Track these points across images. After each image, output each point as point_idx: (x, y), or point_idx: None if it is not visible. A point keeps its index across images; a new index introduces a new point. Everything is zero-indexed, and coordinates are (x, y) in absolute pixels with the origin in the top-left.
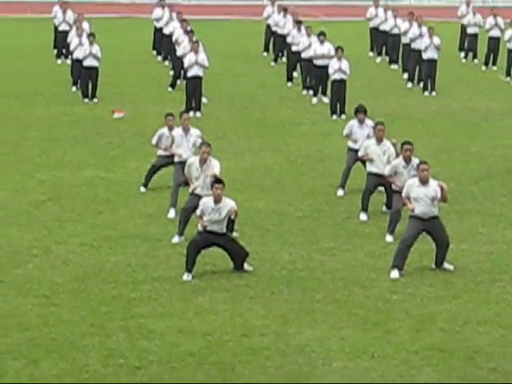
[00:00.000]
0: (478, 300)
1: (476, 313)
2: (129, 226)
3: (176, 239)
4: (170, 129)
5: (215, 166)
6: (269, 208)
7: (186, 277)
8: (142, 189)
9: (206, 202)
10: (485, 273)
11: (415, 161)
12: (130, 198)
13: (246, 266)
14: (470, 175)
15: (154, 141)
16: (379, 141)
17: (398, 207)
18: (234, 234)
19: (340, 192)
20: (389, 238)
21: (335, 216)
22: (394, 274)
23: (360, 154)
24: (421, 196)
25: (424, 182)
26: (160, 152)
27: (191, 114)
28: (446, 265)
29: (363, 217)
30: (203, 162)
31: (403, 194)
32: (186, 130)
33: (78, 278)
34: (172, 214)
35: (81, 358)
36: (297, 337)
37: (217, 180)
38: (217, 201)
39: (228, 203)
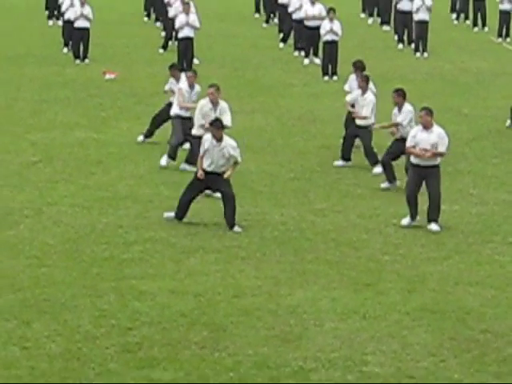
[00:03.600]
0: (470, 261)
1: (467, 274)
2: (120, 187)
3: (163, 161)
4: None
5: (226, 115)
6: (260, 169)
7: (168, 214)
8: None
9: (208, 138)
10: (476, 234)
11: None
12: (121, 159)
13: (236, 227)
14: (462, 136)
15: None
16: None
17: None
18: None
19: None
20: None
21: (327, 177)
22: (404, 221)
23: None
24: (420, 141)
25: (425, 127)
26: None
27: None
28: (433, 225)
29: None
30: (215, 103)
31: (407, 144)
32: (191, 87)
33: (70, 239)
34: (164, 161)
35: (72, 319)
36: (288, 298)
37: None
38: (218, 140)
39: (230, 143)
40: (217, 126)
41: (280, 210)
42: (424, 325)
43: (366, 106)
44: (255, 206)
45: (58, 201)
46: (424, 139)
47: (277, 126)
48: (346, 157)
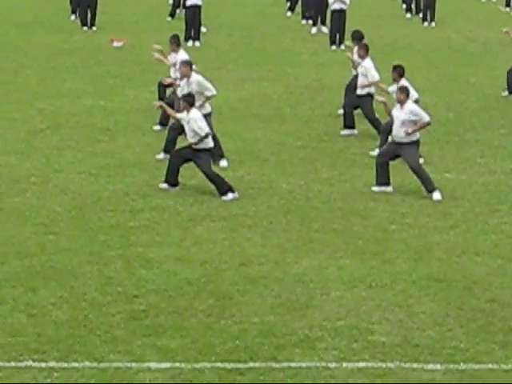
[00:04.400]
0: (476, 230)
1: (474, 243)
2: (127, 155)
3: (161, 156)
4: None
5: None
6: (267, 138)
7: (162, 184)
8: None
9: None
10: (483, 203)
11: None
12: (128, 126)
13: (223, 197)
14: (469, 106)
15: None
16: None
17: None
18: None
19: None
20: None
21: (334, 146)
22: (375, 188)
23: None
24: (395, 118)
25: (399, 102)
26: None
27: (190, 43)
28: (434, 195)
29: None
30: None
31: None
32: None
33: (77, 206)
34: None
35: (79, 286)
36: (295, 266)
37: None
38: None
39: (194, 116)
40: (186, 100)
41: (287, 178)
42: (430, 294)
43: (368, 72)
44: (262, 175)
45: (64, 168)
46: (397, 116)
47: (284, 95)
48: (349, 125)
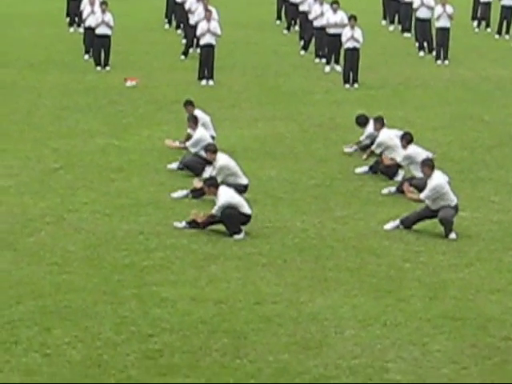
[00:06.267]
0: (491, 268)
1: (488, 281)
2: (141, 194)
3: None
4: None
5: None
6: (281, 176)
7: (176, 223)
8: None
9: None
10: (497, 241)
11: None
12: (142, 165)
13: (235, 236)
14: (483, 143)
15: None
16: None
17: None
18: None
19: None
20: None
21: (348, 184)
22: (387, 226)
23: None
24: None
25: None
26: None
27: (204, 81)
28: (450, 234)
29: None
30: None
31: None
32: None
33: (91, 245)
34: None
35: (93, 326)
36: (309, 305)
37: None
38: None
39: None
40: (209, 185)
41: (301, 216)
42: (445, 332)
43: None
44: (276, 213)
45: (78, 208)
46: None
47: (298, 133)
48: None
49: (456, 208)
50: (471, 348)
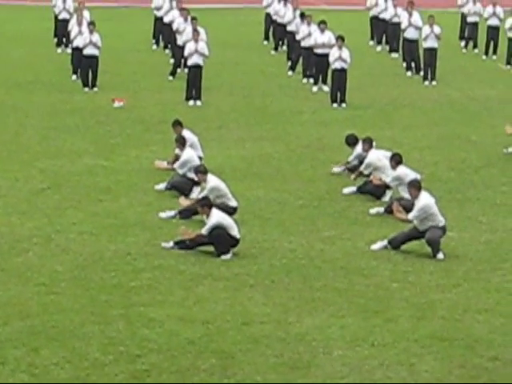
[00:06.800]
0: (479, 288)
1: (476, 301)
2: (129, 214)
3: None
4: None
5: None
6: (269, 196)
7: (164, 243)
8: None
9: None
10: (485, 261)
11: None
12: (130, 186)
13: (222, 256)
14: (471, 164)
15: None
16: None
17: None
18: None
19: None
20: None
21: (335, 204)
22: (375, 246)
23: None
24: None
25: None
26: None
27: (191, 102)
28: (438, 254)
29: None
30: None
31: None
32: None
33: (79, 266)
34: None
35: (81, 346)
36: (297, 325)
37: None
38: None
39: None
40: (202, 205)
41: (288, 237)
42: (433, 352)
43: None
44: (264, 234)
45: (66, 228)
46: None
47: (285, 154)
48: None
49: (444, 229)
50: (459, 368)
